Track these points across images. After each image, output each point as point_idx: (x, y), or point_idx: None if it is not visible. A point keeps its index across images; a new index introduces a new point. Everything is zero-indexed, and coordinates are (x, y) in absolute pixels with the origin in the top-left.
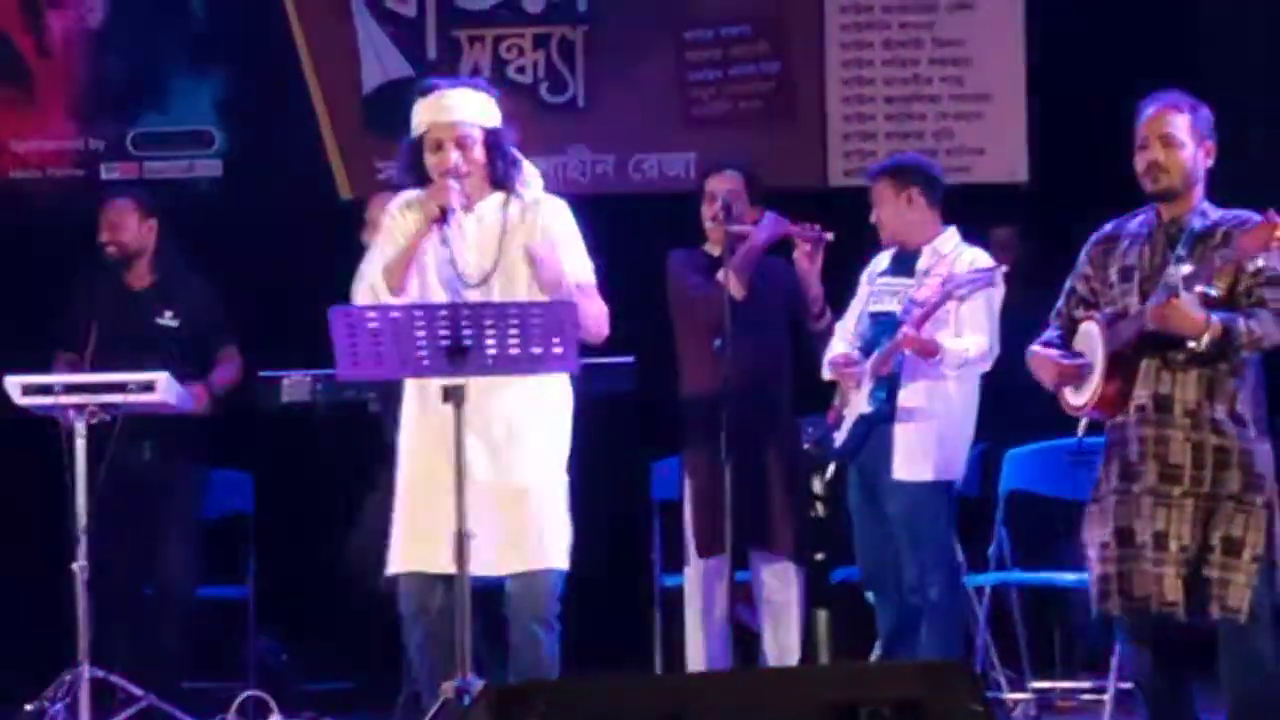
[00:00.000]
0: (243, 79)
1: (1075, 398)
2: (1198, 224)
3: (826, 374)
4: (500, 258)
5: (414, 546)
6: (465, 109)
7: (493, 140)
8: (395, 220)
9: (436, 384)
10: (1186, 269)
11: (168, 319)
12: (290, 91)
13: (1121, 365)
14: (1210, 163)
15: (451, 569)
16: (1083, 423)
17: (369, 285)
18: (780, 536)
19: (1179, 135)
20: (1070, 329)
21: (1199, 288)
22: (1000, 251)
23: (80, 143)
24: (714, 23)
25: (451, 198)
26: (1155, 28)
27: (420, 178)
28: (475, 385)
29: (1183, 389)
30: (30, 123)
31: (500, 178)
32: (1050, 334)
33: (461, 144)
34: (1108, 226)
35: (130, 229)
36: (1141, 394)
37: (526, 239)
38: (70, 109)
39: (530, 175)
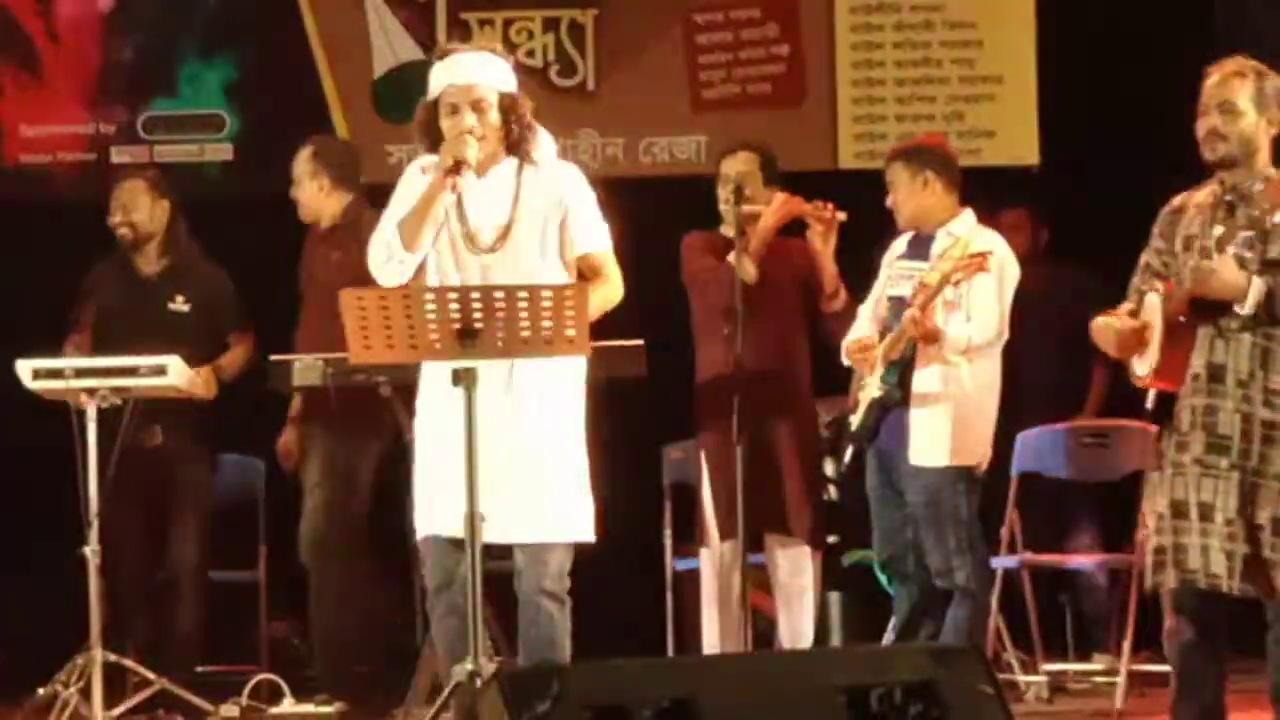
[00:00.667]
0: (253, 62)
1: (1139, 368)
2: (1257, 189)
3: (845, 358)
4: (513, 223)
5: (435, 511)
6: (481, 73)
7: (508, 105)
8: (411, 180)
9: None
10: (1219, 230)
11: (179, 304)
12: (301, 75)
13: (1178, 334)
14: (1275, 131)
15: (460, 534)
16: (1151, 394)
17: (384, 242)
18: (796, 520)
19: (1239, 103)
20: (1141, 301)
21: (1231, 249)
22: (1011, 233)
23: (90, 127)
24: (724, 5)
25: (467, 152)
26: (1168, 9)
27: (435, 142)
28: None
29: (1235, 358)
30: (40, 107)
31: (514, 143)
32: (1122, 307)
33: (477, 107)
34: (1176, 198)
35: (143, 209)
36: (1197, 362)
37: (540, 205)
38: (80, 93)
39: (545, 142)
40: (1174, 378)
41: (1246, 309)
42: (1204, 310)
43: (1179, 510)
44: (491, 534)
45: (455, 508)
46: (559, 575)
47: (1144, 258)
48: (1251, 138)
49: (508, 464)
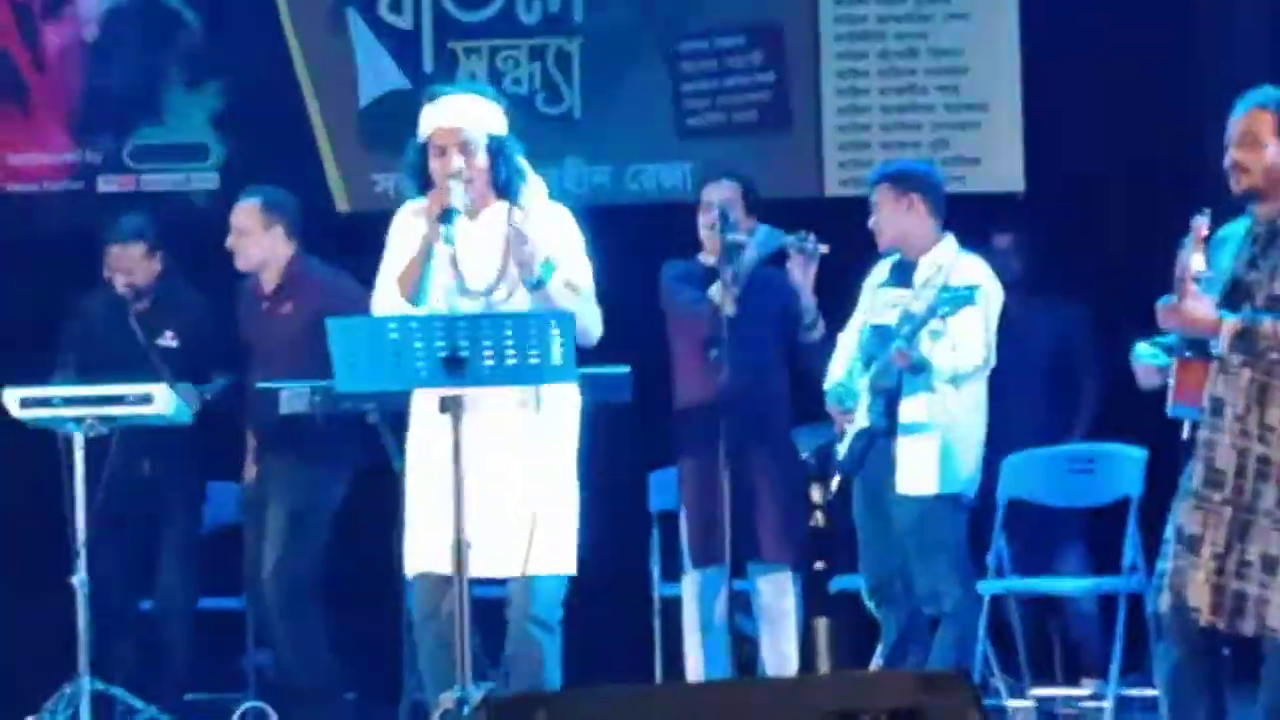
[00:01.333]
0: (239, 92)
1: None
2: None
3: (828, 404)
4: (504, 267)
5: (424, 548)
6: (469, 115)
7: (496, 147)
8: (403, 225)
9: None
10: (1253, 275)
11: (168, 339)
12: (286, 104)
13: (1186, 366)
14: None
15: (448, 570)
16: (1185, 425)
17: (386, 294)
18: (775, 546)
19: (1262, 135)
20: None
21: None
22: (1002, 258)
23: (77, 156)
24: (708, 33)
25: (454, 199)
26: (1151, 37)
27: (424, 184)
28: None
29: (1233, 393)
30: (26, 136)
31: (503, 185)
32: (1168, 338)
33: (465, 149)
34: (1221, 230)
35: (143, 270)
36: (1206, 395)
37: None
38: (66, 122)
39: (535, 186)
40: (1191, 401)
41: (1222, 346)
42: (1197, 346)
43: (1180, 537)
44: (482, 567)
45: (443, 543)
46: (550, 604)
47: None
48: (1274, 168)
49: (499, 496)
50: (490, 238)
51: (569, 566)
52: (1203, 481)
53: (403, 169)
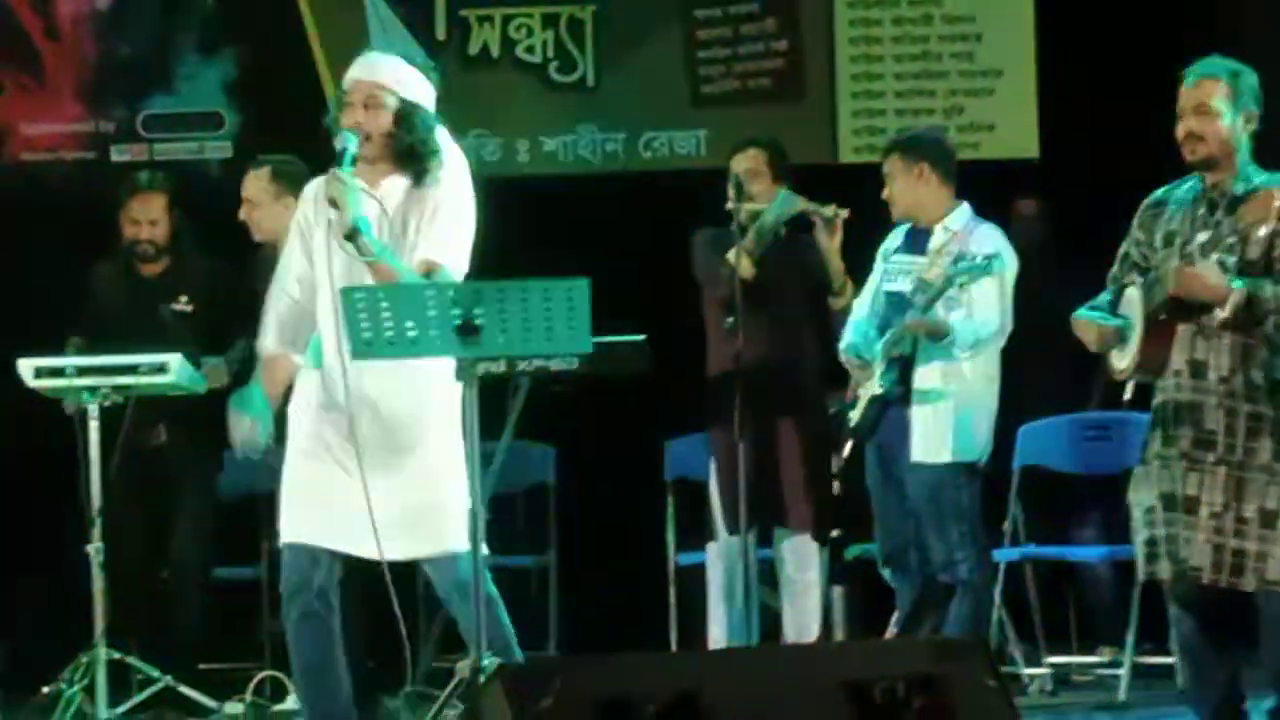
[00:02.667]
0: (252, 60)
1: (1118, 361)
2: (1240, 189)
3: (842, 358)
4: (401, 244)
5: (301, 518)
6: (382, 72)
7: (405, 111)
8: (299, 221)
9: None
10: (1203, 235)
11: (182, 304)
12: (300, 72)
13: (1158, 329)
14: (1253, 128)
15: (338, 545)
16: (1129, 386)
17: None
18: (800, 514)
19: (1215, 104)
20: (1121, 294)
21: (1215, 255)
22: (1022, 222)
23: (90, 125)
24: (723, 1)
25: (349, 145)
26: (1168, 3)
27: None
28: (367, 375)
29: (1217, 355)
30: (40, 105)
31: (404, 153)
32: (1102, 298)
33: (369, 103)
34: (1158, 192)
35: (163, 223)
36: (1178, 359)
37: (409, 225)
38: (80, 91)
39: (452, 166)
40: (1153, 371)
41: (1226, 313)
42: (1184, 309)
43: (1170, 502)
44: (393, 552)
45: (327, 518)
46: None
47: (1123, 248)
48: (1228, 138)
49: (396, 482)
50: (388, 214)
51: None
52: (1193, 443)
53: (328, 126)
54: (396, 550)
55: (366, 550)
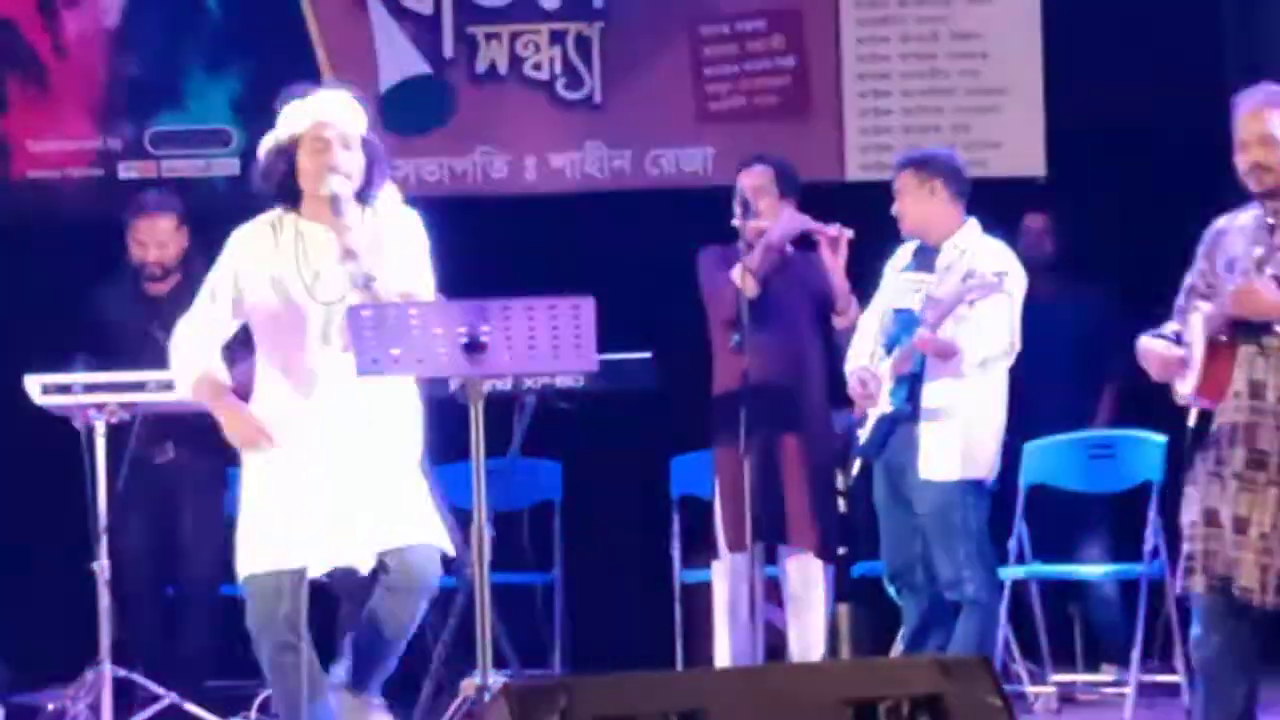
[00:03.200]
0: (260, 77)
1: (1182, 387)
2: None
3: (849, 379)
4: (389, 266)
5: (263, 547)
6: (346, 111)
7: (371, 149)
8: (233, 251)
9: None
10: (1258, 251)
11: None
12: (307, 89)
13: (1220, 352)
14: None
15: (301, 563)
16: (1192, 412)
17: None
18: (806, 532)
19: (1277, 133)
20: (1186, 322)
21: (1270, 270)
22: (1031, 237)
23: (98, 142)
24: (729, 17)
25: (337, 187)
26: (1174, 20)
27: (286, 189)
28: (333, 385)
29: (1276, 374)
30: (48, 122)
31: (364, 188)
32: (1167, 326)
33: (346, 144)
34: (1220, 220)
35: (173, 245)
36: (1239, 379)
37: (377, 255)
38: (87, 108)
39: (389, 190)
40: (1216, 395)
41: None
42: (1245, 330)
43: (1211, 518)
44: (351, 560)
45: (288, 540)
46: (434, 571)
47: (1187, 278)
48: None
49: (356, 492)
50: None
51: (438, 540)
52: (1245, 463)
53: (262, 175)
54: (363, 553)
55: (343, 560)
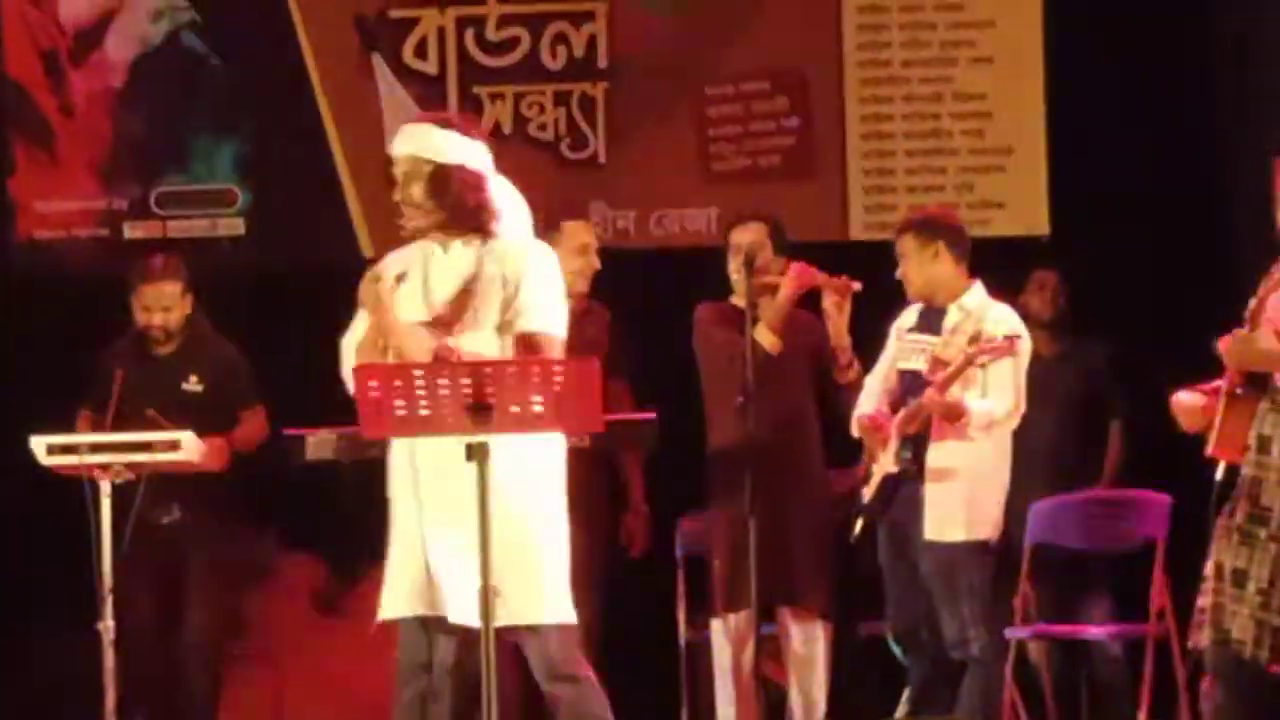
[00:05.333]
0: (265, 137)
1: (1209, 441)
2: None
3: (855, 430)
4: (467, 302)
5: (402, 590)
6: (406, 142)
7: (442, 175)
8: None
9: None
10: (1253, 302)
11: (193, 384)
12: (312, 149)
13: (1236, 405)
14: None
15: (435, 611)
16: (1220, 467)
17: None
18: (807, 592)
19: None
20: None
21: (1266, 318)
22: (1039, 291)
23: (104, 202)
24: (734, 78)
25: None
26: (1176, 81)
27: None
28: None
29: None
30: (54, 182)
31: (455, 216)
32: (1212, 385)
33: (409, 176)
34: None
35: (180, 310)
36: (1251, 434)
37: (492, 285)
38: (93, 168)
39: (509, 218)
40: (1234, 449)
41: None
42: (1256, 382)
43: (1219, 573)
44: (464, 616)
45: (419, 587)
46: (563, 658)
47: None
48: None
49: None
50: (455, 272)
51: (562, 615)
52: (1247, 517)
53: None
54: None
55: (456, 615)
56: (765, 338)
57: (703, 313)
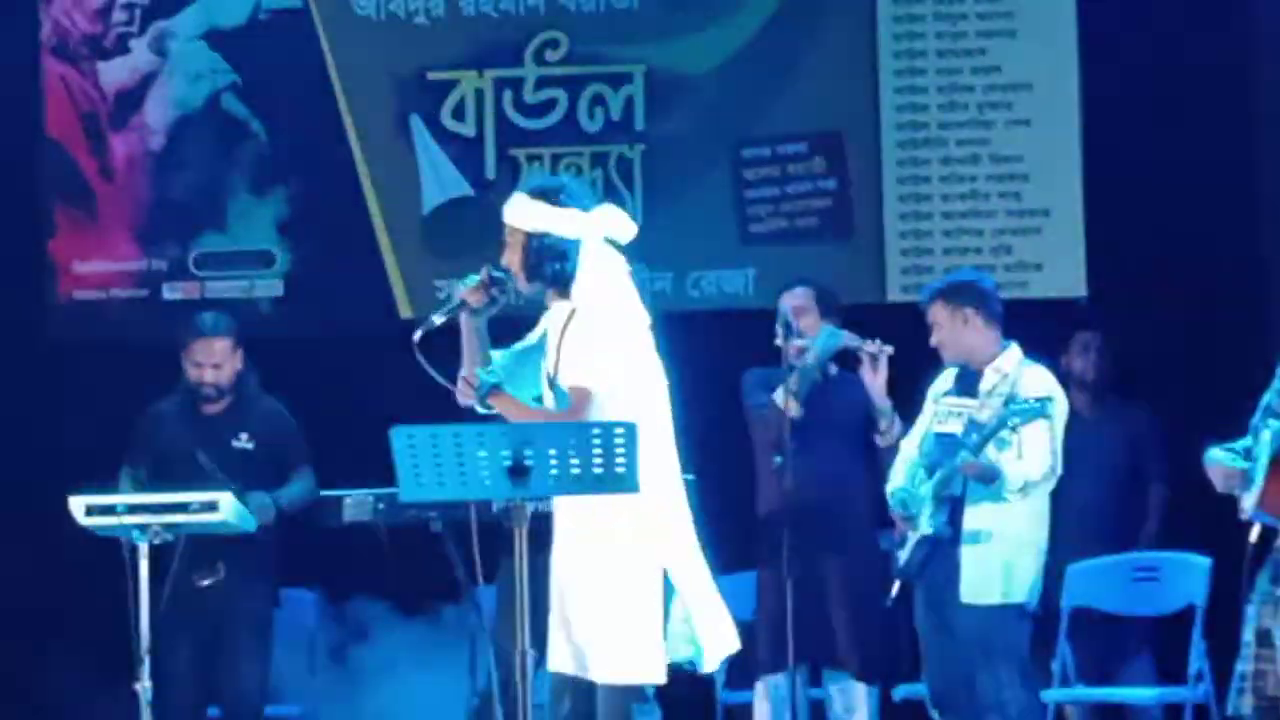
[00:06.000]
0: (303, 199)
1: (1245, 502)
2: None
3: (890, 508)
4: (558, 362)
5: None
6: (509, 210)
7: (532, 243)
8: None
9: None
10: None
11: (243, 441)
12: (351, 211)
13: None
14: None
15: (559, 668)
16: (1255, 529)
17: None
18: (849, 654)
19: None
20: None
21: None
22: (1083, 352)
23: (143, 263)
24: (771, 140)
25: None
26: (1211, 142)
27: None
28: None
29: None
30: (93, 244)
31: (546, 280)
32: (1240, 442)
33: (509, 241)
34: None
35: (230, 366)
36: None
37: (570, 345)
38: (132, 230)
39: (586, 283)
40: (1275, 510)
41: None
42: None
43: (1263, 639)
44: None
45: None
46: (616, 715)
47: (1265, 397)
48: None
49: (559, 599)
50: (554, 332)
51: (620, 675)
52: (1275, 580)
53: None
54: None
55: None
56: (788, 404)
57: (747, 379)
